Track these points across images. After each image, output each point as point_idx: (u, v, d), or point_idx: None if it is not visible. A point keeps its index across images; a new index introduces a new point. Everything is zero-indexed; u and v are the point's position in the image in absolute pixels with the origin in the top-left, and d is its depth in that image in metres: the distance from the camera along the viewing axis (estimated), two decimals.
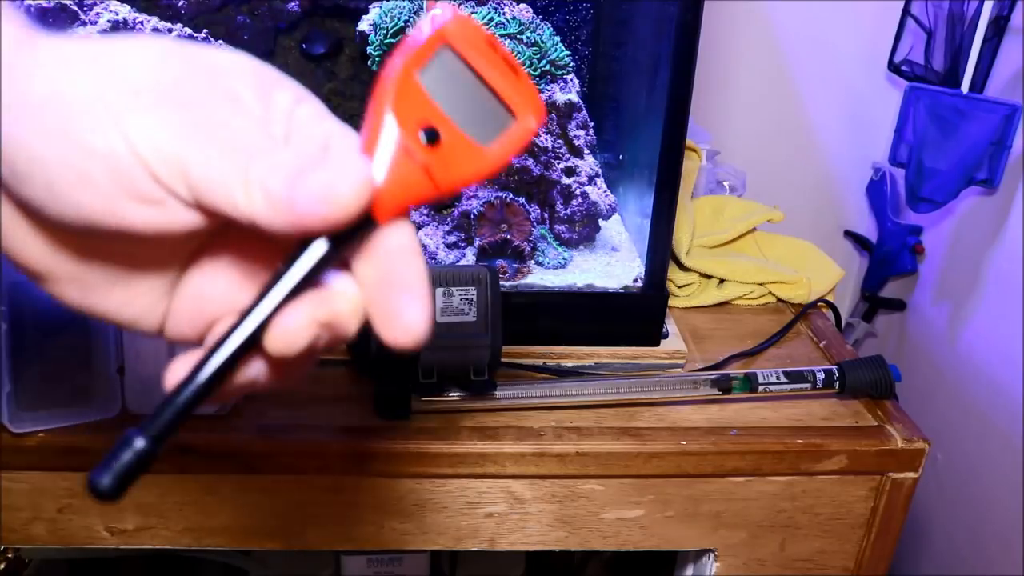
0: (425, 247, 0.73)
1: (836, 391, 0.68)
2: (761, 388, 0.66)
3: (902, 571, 1.18)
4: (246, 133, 0.26)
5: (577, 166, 0.76)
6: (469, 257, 0.73)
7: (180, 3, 0.75)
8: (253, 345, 0.27)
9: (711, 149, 1.02)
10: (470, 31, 0.28)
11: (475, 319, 0.63)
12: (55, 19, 0.66)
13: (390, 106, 0.27)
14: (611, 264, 0.76)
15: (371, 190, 0.26)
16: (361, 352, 0.68)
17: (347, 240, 0.27)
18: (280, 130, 0.27)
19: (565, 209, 0.76)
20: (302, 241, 0.27)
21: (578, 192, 0.75)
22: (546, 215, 0.78)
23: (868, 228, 1.24)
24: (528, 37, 0.69)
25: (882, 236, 1.19)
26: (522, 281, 0.72)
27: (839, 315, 0.88)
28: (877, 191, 1.19)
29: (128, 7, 0.70)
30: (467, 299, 0.63)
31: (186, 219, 0.26)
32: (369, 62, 0.73)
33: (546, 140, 0.75)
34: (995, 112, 0.92)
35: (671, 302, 0.82)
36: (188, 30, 0.72)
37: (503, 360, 0.66)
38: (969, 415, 1.05)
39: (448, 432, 0.62)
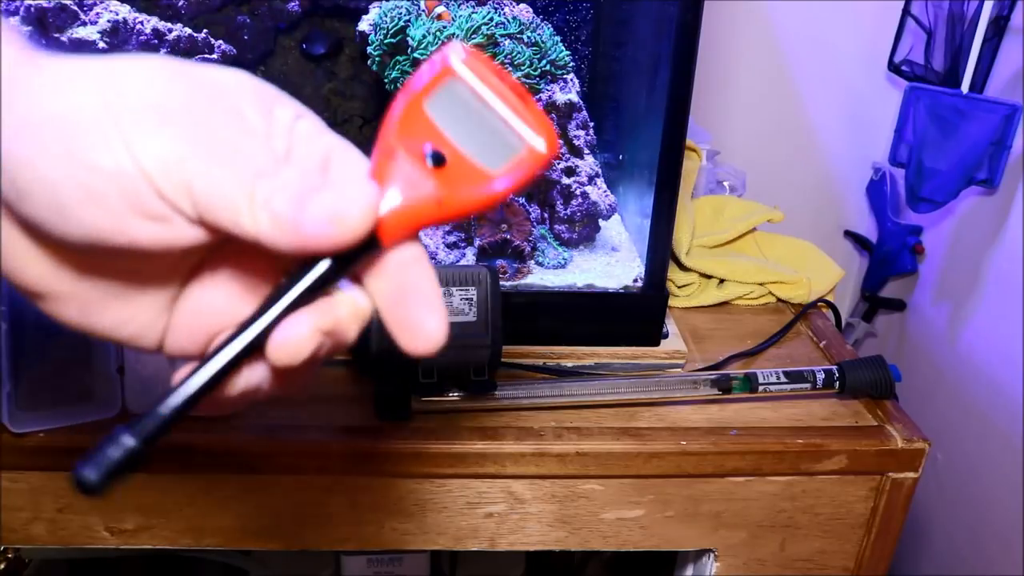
0: (425, 247, 0.73)
1: (836, 391, 0.68)
2: (761, 388, 0.66)
3: (902, 571, 1.18)
4: (252, 152, 0.26)
5: (577, 166, 0.76)
6: (469, 257, 0.73)
7: (180, 3, 0.74)
8: (249, 356, 0.27)
9: (711, 149, 1.02)
10: (479, 63, 0.28)
11: (475, 319, 0.63)
12: (55, 19, 0.66)
13: (396, 132, 0.28)
14: (611, 264, 0.76)
15: (376, 213, 0.26)
16: (361, 352, 0.68)
17: (352, 261, 0.27)
18: (282, 145, 0.27)
19: (565, 209, 0.76)
20: (305, 259, 0.27)
21: (578, 192, 0.75)
22: (546, 215, 0.78)
23: (868, 228, 1.24)
24: (528, 37, 0.69)
25: (882, 236, 1.19)
26: (522, 281, 0.72)
27: (839, 315, 0.88)
28: (877, 191, 1.19)
29: (128, 7, 0.70)
30: (467, 299, 0.63)
31: (191, 235, 0.26)
32: (369, 62, 0.73)
33: None
34: (995, 112, 0.92)
35: (671, 302, 0.82)
36: (188, 30, 0.72)
37: (503, 360, 0.66)
38: (969, 415, 1.05)
39: (448, 432, 0.62)
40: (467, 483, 0.63)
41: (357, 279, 0.28)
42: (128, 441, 0.25)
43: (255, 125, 0.27)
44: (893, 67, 1.07)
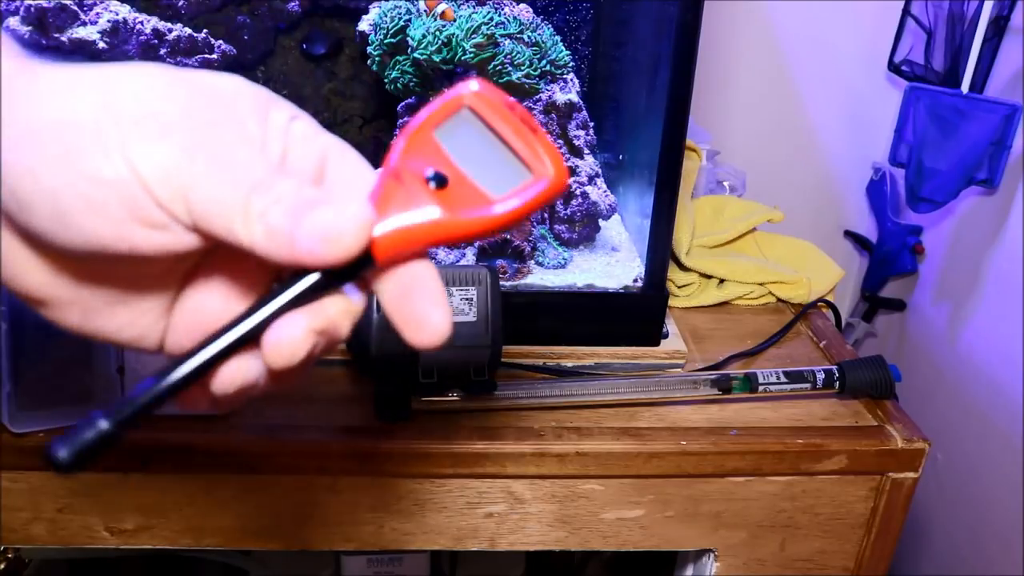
0: None
1: (836, 391, 0.68)
2: (761, 388, 0.66)
3: (902, 571, 1.18)
4: (249, 160, 0.26)
5: (577, 166, 0.76)
6: (469, 257, 0.73)
7: (180, 3, 0.74)
8: (228, 357, 0.27)
9: (711, 149, 1.02)
10: (490, 94, 0.28)
11: (475, 319, 0.63)
12: (55, 19, 0.66)
13: (402, 154, 0.28)
14: (611, 264, 0.76)
15: (370, 233, 0.26)
16: (361, 352, 0.68)
17: (345, 277, 0.27)
18: (277, 148, 0.28)
19: (565, 209, 0.76)
20: (299, 268, 0.27)
21: (578, 192, 0.75)
22: (546, 215, 0.78)
23: (868, 228, 1.24)
24: (528, 37, 0.69)
25: (882, 236, 1.19)
26: (522, 281, 0.72)
27: (839, 315, 0.88)
28: (877, 191, 1.19)
29: (128, 7, 0.70)
30: (467, 299, 0.63)
31: (189, 240, 0.26)
32: (369, 62, 0.73)
33: None
34: (995, 112, 0.92)
35: (671, 302, 0.82)
36: (188, 30, 0.72)
37: (503, 360, 0.66)
38: (969, 415, 1.05)
39: (448, 432, 0.62)
40: (467, 483, 0.63)
41: (365, 281, 0.29)
42: (102, 424, 0.26)
43: (252, 131, 0.27)
44: (893, 67, 1.07)
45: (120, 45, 0.69)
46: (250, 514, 0.63)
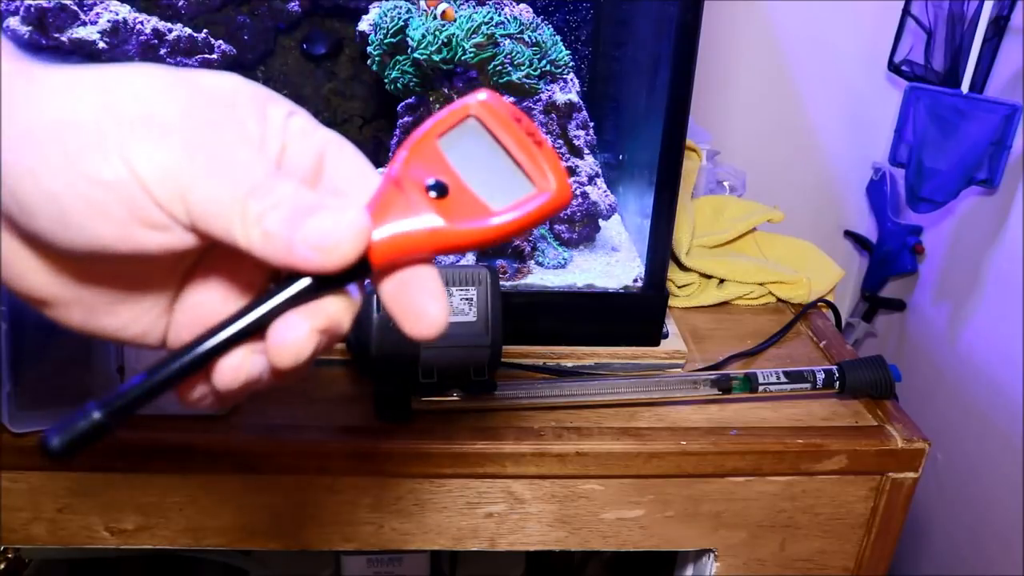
0: None
1: (836, 391, 0.68)
2: (761, 388, 0.66)
3: (902, 571, 1.18)
4: (247, 162, 0.26)
5: (577, 166, 0.76)
6: (469, 257, 0.73)
7: (180, 3, 0.75)
8: (220, 355, 0.27)
9: (711, 149, 1.02)
10: (497, 105, 0.28)
11: (475, 319, 0.63)
12: (55, 19, 0.66)
13: (404, 162, 0.28)
14: (611, 264, 0.76)
15: (367, 241, 0.26)
16: (361, 352, 0.68)
17: (341, 282, 0.28)
18: (276, 145, 0.28)
19: (565, 209, 0.76)
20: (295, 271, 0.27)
21: (578, 192, 0.75)
22: None
23: (868, 228, 1.24)
24: (528, 37, 0.69)
25: (882, 236, 1.19)
26: (522, 281, 0.72)
27: (839, 315, 0.88)
28: (877, 191, 1.19)
29: (128, 7, 0.70)
30: (467, 299, 0.63)
31: (191, 240, 0.27)
32: (369, 62, 0.73)
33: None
34: (995, 112, 0.92)
35: (671, 302, 0.82)
36: (188, 30, 0.72)
37: (503, 360, 0.66)
38: (969, 415, 1.05)
39: (448, 432, 0.62)
40: (467, 483, 0.63)
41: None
42: (95, 414, 0.26)
43: (251, 131, 0.27)
44: (893, 67, 1.07)
45: (120, 45, 0.69)
46: (250, 514, 0.63)
